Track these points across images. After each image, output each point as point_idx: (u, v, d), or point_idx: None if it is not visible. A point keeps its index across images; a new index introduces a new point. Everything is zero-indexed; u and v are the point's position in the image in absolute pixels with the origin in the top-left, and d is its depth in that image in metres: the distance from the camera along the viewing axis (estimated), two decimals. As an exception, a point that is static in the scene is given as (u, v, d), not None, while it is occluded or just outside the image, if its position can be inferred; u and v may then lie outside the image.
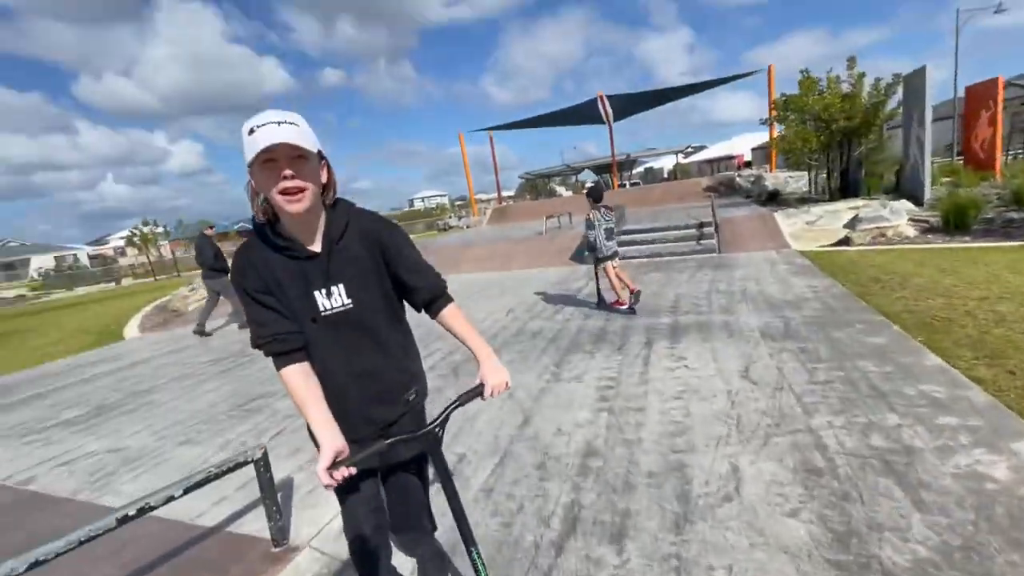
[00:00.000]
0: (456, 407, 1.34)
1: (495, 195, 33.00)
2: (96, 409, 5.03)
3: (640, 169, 48.49)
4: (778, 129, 15.18)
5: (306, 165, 1.19)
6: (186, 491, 1.95)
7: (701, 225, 10.13)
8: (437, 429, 1.32)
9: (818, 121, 11.53)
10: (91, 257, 53.31)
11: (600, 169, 36.26)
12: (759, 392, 3.34)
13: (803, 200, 12.93)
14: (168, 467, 3.45)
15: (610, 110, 24.85)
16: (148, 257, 33.71)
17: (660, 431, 3.00)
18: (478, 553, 1.38)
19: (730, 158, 40.30)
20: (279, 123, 1.13)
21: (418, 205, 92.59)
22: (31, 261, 49.79)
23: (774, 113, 13.71)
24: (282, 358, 1.30)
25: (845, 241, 8.29)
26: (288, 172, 1.16)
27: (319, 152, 1.23)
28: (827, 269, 6.74)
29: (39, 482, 3.50)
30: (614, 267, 5.95)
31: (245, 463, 2.21)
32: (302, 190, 1.18)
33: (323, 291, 1.31)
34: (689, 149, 39.54)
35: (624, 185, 30.24)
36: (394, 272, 1.40)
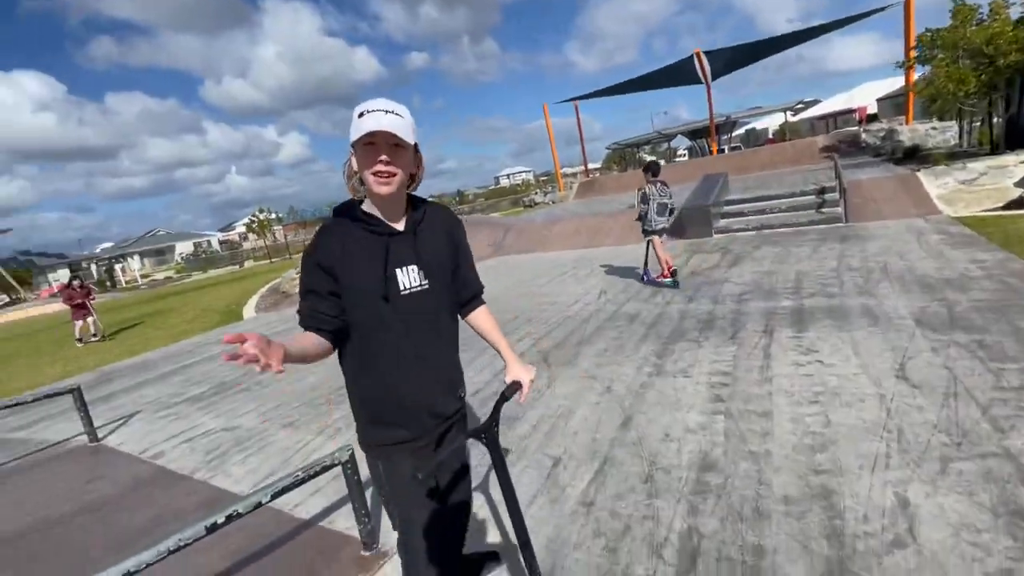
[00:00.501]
0: (503, 403, 1.40)
1: (581, 168, 31.93)
2: (217, 387, 5.46)
3: (740, 131, 44.35)
4: (919, 72, 12.85)
5: (401, 154, 1.28)
6: (274, 496, 1.88)
7: (822, 191, 8.87)
8: (494, 425, 1.38)
9: (978, 57, 9.49)
10: (221, 242, 60.27)
11: (695, 134, 33.66)
12: (924, 398, 2.69)
13: (953, 155, 10.87)
14: (272, 450, 3.58)
15: (708, 68, 22.70)
16: (265, 241, 37.27)
17: (794, 443, 2.51)
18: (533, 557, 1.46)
19: (850, 112, 35.43)
20: (386, 111, 1.23)
21: (503, 183, 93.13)
22: (176, 247, 57.41)
23: (914, 53, 11.56)
24: (312, 330, 1.31)
25: (1019, 203, 6.75)
26: (384, 157, 1.25)
27: (415, 145, 1.33)
28: (998, 239, 5.51)
29: (167, 457, 3.80)
30: (661, 241, 6.08)
31: (332, 466, 2.11)
32: (393, 175, 1.28)
33: (405, 269, 1.36)
34: (800, 105, 35.22)
35: (723, 150, 27.82)
36: (456, 266, 1.52)
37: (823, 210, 8.59)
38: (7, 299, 33.15)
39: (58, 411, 5.33)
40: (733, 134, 37.18)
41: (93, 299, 11.05)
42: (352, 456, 2.20)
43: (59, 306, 22.49)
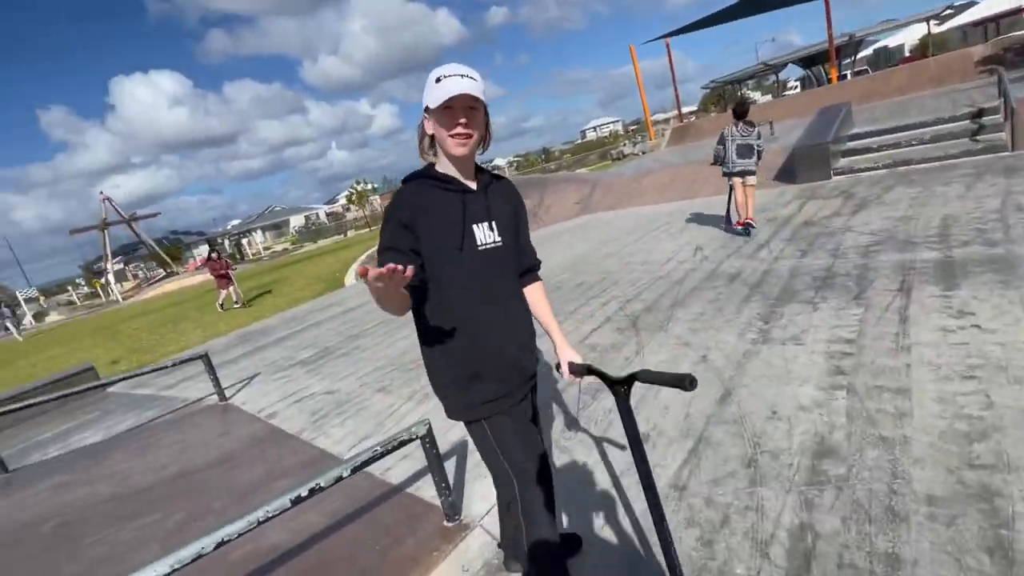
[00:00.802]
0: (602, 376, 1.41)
1: (674, 113, 29.50)
2: (322, 351, 5.89)
3: (867, 52, 38.06)
4: None
5: (476, 115, 1.34)
6: (354, 471, 1.90)
7: (979, 113, 7.32)
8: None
9: None
10: (327, 214, 65.24)
11: (810, 61, 29.48)
12: None
13: None
14: (367, 414, 3.76)
15: (827, -22, 19.42)
16: (364, 211, 39.64)
17: (941, 429, 2.08)
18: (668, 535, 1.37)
19: (1019, 11, 28.72)
20: (462, 75, 1.29)
21: (590, 136, 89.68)
22: (290, 221, 63.20)
23: None
24: None
25: None
26: (463, 120, 1.31)
27: (485, 108, 1.38)
28: None
29: (279, 417, 4.17)
30: (743, 184, 5.79)
31: (410, 440, 2.10)
32: (470, 136, 1.34)
33: (480, 225, 1.42)
34: (948, 11, 29.16)
35: (844, 76, 24.09)
36: (518, 231, 1.56)
37: (980, 138, 7.08)
38: (163, 273, 38.93)
39: (197, 372, 6.09)
40: (858, 56, 32.03)
41: (234, 270, 12.39)
42: (430, 430, 2.18)
43: (202, 277, 25.90)
